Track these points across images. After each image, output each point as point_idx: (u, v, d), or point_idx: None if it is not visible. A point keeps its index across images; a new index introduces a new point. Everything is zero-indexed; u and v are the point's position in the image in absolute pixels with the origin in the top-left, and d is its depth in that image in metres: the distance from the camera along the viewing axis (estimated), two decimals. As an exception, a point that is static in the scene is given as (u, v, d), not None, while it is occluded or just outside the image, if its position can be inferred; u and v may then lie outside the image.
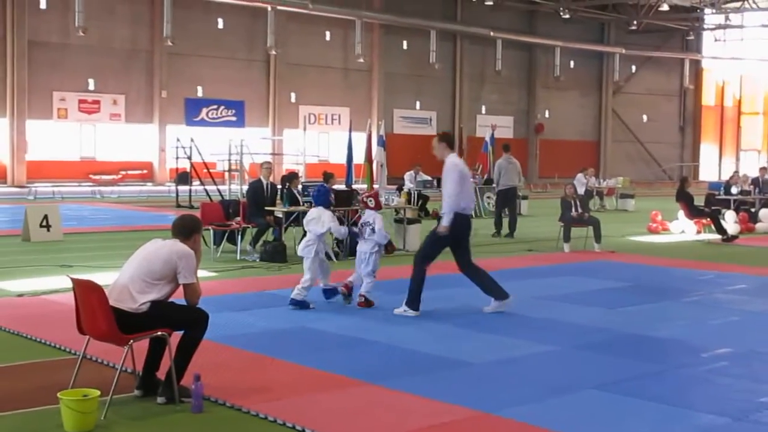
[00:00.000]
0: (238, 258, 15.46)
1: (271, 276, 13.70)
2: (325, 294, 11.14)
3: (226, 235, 15.91)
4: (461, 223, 10.58)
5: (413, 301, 10.57)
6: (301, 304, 10.80)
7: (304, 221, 11.40)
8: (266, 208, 16.17)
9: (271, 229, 16.26)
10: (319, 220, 11.10)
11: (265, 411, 6.55)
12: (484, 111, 53.24)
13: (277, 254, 15.19)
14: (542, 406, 6.84)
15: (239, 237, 15.87)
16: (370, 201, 11.61)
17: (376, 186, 25.31)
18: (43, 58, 39.24)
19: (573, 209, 17.76)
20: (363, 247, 11.28)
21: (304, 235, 16.13)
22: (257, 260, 15.23)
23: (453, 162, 10.59)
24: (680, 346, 9.12)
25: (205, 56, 43.13)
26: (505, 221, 21.11)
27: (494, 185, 23.13)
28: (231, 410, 6.67)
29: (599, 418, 6.54)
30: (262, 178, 16.47)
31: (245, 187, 17.02)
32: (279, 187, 17.17)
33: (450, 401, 6.88)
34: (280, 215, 16.07)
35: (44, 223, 17.93)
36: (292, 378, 7.57)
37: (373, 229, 11.23)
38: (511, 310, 10.89)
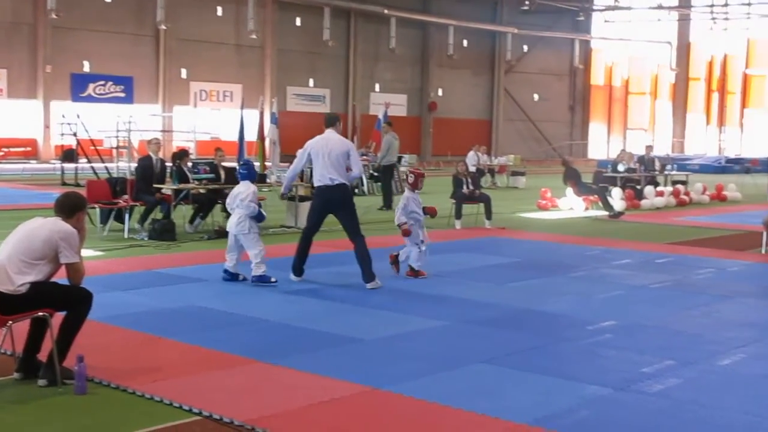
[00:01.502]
0: (126, 236, 15.21)
1: (160, 255, 13.52)
2: (226, 273, 11.12)
3: (114, 213, 15.60)
4: (318, 194, 11.28)
5: (294, 266, 11.26)
6: (262, 279, 10.86)
7: (229, 198, 11.33)
8: (155, 185, 15.92)
9: (159, 207, 16.00)
10: (245, 193, 11.04)
11: (151, 391, 6.45)
12: (377, 89, 53.34)
13: (166, 233, 14.99)
14: (432, 380, 6.89)
15: (127, 215, 15.60)
16: (410, 177, 12.09)
17: (271, 164, 25.22)
18: None
19: (465, 186, 17.93)
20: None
21: (196, 212, 15.98)
22: (145, 239, 15.01)
23: (306, 143, 11.44)
24: (567, 319, 9.30)
25: (92, 30, 42.14)
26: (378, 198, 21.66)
27: (378, 161, 23.45)
28: (116, 391, 6.54)
29: (487, 391, 6.62)
30: (151, 154, 16.20)
31: (133, 165, 16.70)
32: (168, 164, 16.93)
33: (340, 377, 6.89)
34: (170, 193, 15.84)
35: None
36: (179, 357, 7.48)
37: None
38: (402, 286, 11.03)
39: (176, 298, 10.07)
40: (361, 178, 26.89)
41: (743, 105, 68.20)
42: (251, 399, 6.37)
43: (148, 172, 15.90)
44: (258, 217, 11.14)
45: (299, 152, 11.63)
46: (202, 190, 16.07)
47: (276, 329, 8.61)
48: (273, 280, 10.90)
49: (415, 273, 11.72)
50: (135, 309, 9.38)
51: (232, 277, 11.06)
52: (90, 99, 42.18)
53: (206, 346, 7.83)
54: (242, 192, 11.08)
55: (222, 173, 16.34)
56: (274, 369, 7.15)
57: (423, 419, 6.05)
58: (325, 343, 8.04)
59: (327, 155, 11.07)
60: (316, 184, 11.26)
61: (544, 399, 6.44)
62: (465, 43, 57.46)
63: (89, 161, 25.81)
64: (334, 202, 11.17)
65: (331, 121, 11.54)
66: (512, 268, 12.79)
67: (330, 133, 11.32)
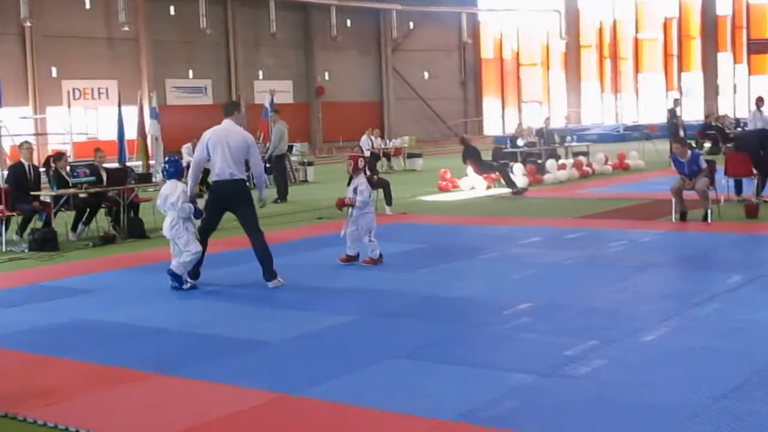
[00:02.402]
0: (4, 249, 14.73)
1: (43, 266, 13.11)
2: (172, 278, 10.63)
3: (-12, 225, 15.09)
4: (215, 190, 10.98)
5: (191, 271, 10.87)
6: (175, 278, 10.54)
7: (159, 200, 10.80)
8: (31, 192, 15.42)
9: (37, 216, 15.50)
10: (174, 194, 10.57)
11: (44, 417, 6.17)
12: (261, 76, 52.80)
13: (47, 242, 14.57)
14: (346, 381, 6.76)
15: (3, 227, 15.08)
16: (350, 163, 12.29)
17: (155, 162, 24.70)
18: None
19: (361, 172, 17.78)
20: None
21: (78, 218, 15.51)
22: (26, 250, 14.53)
23: (204, 134, 10.99)
24: (482, 305, 9.26)
25: (-50, 31, 40.72)
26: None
27: (270, 152, 23.14)
28: (5, 420, 6.24)
29: (406, 388, 6.51)
30: (23, 160, 15.68)
31: (6, 173, 16.16)
32: (43, 169, 16.46)
33: (249, 385, 6.71)
34: (48, 200, 15.36)
35: None
36: (73, 377, 7.19)
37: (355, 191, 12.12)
38: (305, 282, 10.91)
39: (64, 312, 9.72)
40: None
41: (636, 70, 69.63)
42: (155, 416, 6.14)
43: (21, 179, 15.40)
44: (196, 215, 10.77)
45: (184, 148, 11.23)
46: (83, 195, 15.61)
47: (175, 338, 8.36)
48: (186, 286, 10.52)
49: (374, 261, 12.02)
50: (19, 327, 9.02)
51: (177, 279, 10.61)
52: (-47, 105, 40.74)
53: (101, 362, 7.54)
54: (171, 193, 10.60)
55: (104, 175, 15.91)
56: (177, 381, 6.93)
57: (341, 424, 5.91)
58: (229, 350, 7.83)
59: (227, 148, 10.70)
60: (213, 179, 10.93)
61: (466, 392, 6.35)
62: (349, 23, 57.26)
63: (-43, 172, 24.95)
64: (232, 198, 10.84)
65: (228, 110, 11.14)
66: (419, 254, 12.74)
67: (229, 124, 10.93)
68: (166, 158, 11.44)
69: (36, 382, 7.10)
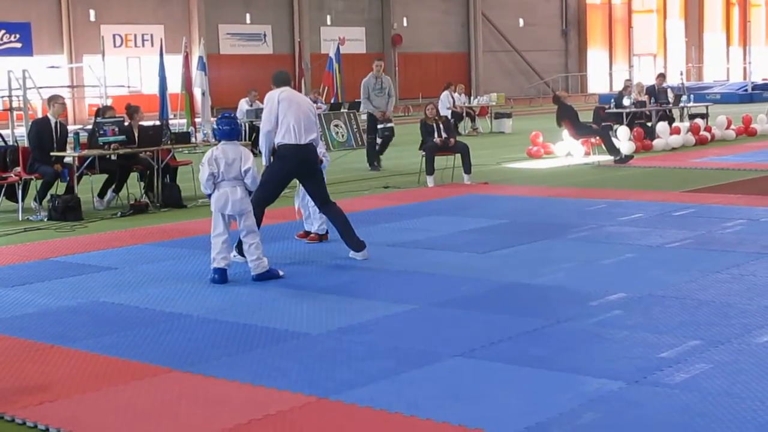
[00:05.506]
0: (20, 218, 14.90)
1: (62, 238, 13.20)
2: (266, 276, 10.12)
3: (4, 189, 15.17)
4: (286, 155, 10.83)
5: (240, 244, 10.70)
6: (270, 274, 9.98)
7: (212, 166, 9.95)
8: (55, 153, 15.47)
9: (61, 178, 15.59)
10: (241, 160, 9.97)
11: (34, 418, 6.11)
12: (329, 22, 52.87)
13: (70, 211, 14.68)
14: (393, 383, 6.62)
15: (20, 191, 15.17)
16: None
17: (201, 119, 24.71)
18: None
19: (436, 134, 17.60)
20: None
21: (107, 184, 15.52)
22: (44, 220, 14.65)
23: (268, 95, 10.95)
24: (565, 294, 9.10)
25: (-26, -32, 41.32)
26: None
27: (361, 109, 22.82)
28: (-10, 420, 6.22)
29: (465, 394, 6.36)
30: (50, 116, 15.74)
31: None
32: (75, 127, 16.59)
33: (278, 386, 6.60)
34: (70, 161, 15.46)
35: None
36: (75, 370, 7.13)
37: None
38: (361, 262, 10.91)
39: (76, 293, 9.73)
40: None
41: (770, 19, 68.50)
42: (164, 421, 6.06)
43: (45, 138, 15.46)
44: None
45: (243, 101, 11.08)
46: (112, 156, 15.61)
47: (199, 327, 8.28)
48: (281, 273, 10.15)
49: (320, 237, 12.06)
50: (22, 310, 9.05)
51: (222, 277, 10.03)
52: (-22, 52, 41.41)
53: (109, 353, 7.51)
54: (240, 159, 9.95)
55: (135, 134, 15.90)
56: (194, 379, 6.84)
57: (382, 436, 5.77)
58: (260, 342, 7.75)
59: (299, 108, 10.78)
60: (284, 142, 10.71)
61: (537, 400, 6.19)
62: (432, -40, 57.09)
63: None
64: (306, 165, 10.84)
65: (285, 79, 11.13)
66: (496, 233, 12.59)
67: (290, 90, 11.02)
68: (221, 114, 10.77)
69: (30, 376, 7.04)
